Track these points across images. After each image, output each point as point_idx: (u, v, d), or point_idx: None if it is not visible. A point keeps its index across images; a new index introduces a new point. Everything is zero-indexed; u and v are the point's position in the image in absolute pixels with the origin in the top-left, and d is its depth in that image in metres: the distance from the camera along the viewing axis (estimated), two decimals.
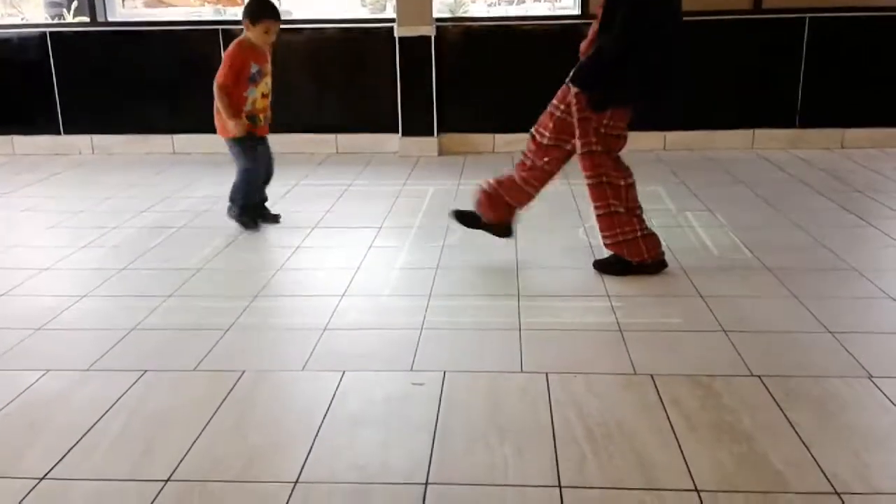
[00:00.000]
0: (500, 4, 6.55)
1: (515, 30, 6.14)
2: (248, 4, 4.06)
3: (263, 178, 4.29)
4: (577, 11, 6.14)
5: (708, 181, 5.07)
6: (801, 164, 5.55)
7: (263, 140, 4.21)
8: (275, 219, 4.34)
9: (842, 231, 4.01)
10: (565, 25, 6.11)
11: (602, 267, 3.46)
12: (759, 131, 6.10)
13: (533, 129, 3.44)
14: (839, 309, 3.03)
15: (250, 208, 4.21)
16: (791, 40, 5.96)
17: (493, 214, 3.60)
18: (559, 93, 3.35)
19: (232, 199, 4.21)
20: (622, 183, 3.32)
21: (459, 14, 6.47)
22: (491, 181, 3.56)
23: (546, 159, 3.39)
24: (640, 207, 3.39)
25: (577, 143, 3.29)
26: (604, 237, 3.42)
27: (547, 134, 3.37)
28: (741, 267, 3.52)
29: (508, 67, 6.10)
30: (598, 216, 3.38)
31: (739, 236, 3.92)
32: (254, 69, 4.00)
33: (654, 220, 3.70)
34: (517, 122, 6.17)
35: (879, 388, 2.41)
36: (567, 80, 3.30)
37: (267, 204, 4.37)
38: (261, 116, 4.12)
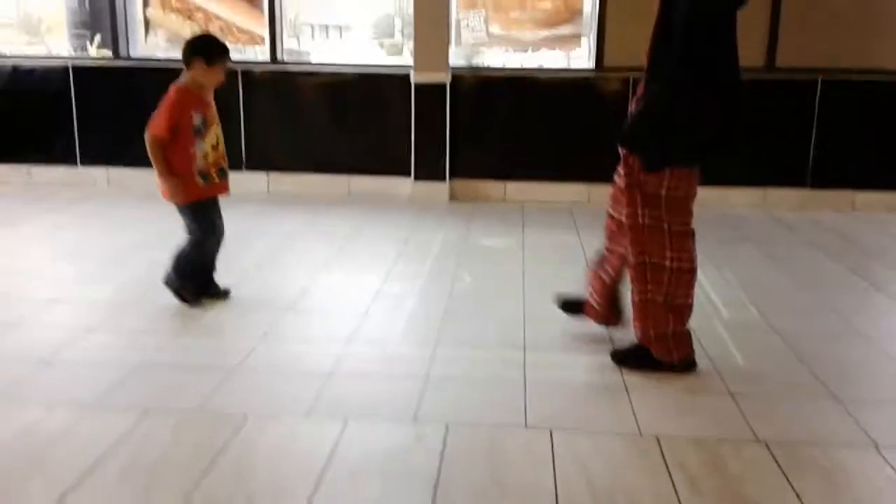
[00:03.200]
0: (514, 52, 6.62)
1: (530, 81, 6.22)
2: (199, 42, 3.53)
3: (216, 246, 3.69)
4: (591, 65, 6.21)
5: (718, 238, 5.07)
6: (812, 225, 5.56)
7: (215, 201, 3.65)
8: (223, 294, 3.74)
9: (851, 295, 4.00)
10: (579, 79, 6.20)
11: (620, 359, 3.05)
12: (770, 190, 6.13)
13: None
14: (847, 375, 3.01)
15: (195, 281, 3.66)
16: (804, 100, 6.02)
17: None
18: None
19: (175, 268, 3.63)
20: (667, 264, 2.88)
21: (475, 62, 6.55)
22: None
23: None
24: (686, 297, 2.94)
25: (624, 211, 2.92)
26: (634, 326, 3.02)
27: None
28: (749, 328, 3.51)
29: (521, 117, 6.18)
30: (633, 301, 2.98)
31: (748, 296, 3.91)
32: (196, 120, 3.45)
33: None
34: (528, 172, 6.29)
35: (886, 459, 2.38)
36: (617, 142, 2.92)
37: (220, 270, 3.76)
38: (213, 172, 3.55)
